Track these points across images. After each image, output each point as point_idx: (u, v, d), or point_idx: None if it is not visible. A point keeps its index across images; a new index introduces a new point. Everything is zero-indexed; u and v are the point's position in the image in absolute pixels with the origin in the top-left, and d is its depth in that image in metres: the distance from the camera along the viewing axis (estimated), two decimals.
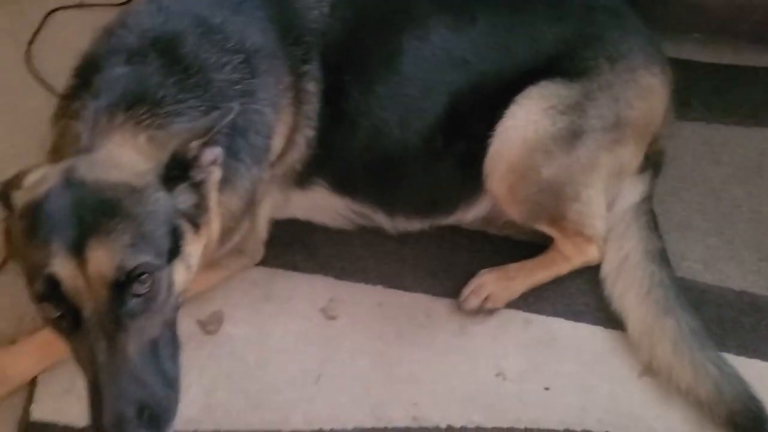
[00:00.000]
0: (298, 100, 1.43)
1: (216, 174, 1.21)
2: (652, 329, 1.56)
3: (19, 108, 1.93)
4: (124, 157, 1.13)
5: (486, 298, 1.63)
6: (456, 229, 1.76)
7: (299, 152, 1.49)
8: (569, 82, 1.48)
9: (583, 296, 1.69)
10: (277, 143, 1.44)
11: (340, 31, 1.45)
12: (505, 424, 1.51)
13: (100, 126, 1.20)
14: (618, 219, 1.66)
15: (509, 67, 1.50)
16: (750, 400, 1.45)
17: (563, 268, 1.67)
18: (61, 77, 1.46)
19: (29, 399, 1.48)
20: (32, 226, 1.06)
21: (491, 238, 1.76)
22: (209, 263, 1.37)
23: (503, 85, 1.49)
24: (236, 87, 1.32)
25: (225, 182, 1.29)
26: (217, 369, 1.55)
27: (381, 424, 1.50)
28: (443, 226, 1.74)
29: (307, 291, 1.67)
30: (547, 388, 1.56)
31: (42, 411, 1.47)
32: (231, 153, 1.30)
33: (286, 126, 1.44)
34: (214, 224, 1.26)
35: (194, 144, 1.14)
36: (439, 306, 1.67)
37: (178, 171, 1.14)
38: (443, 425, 1.50)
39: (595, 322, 1.65)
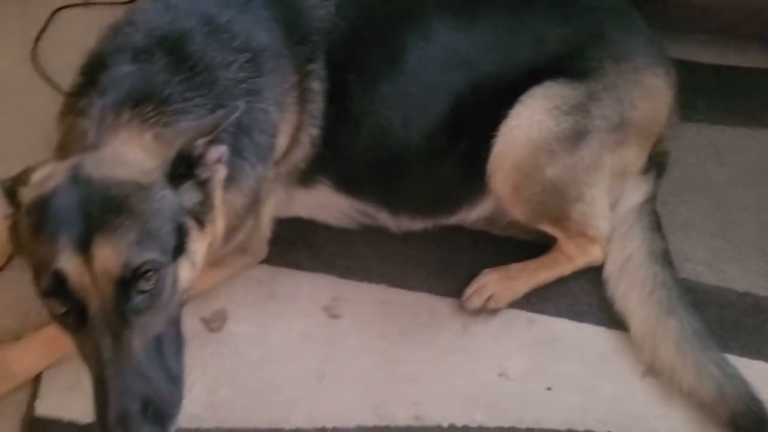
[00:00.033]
0: (303, 99, 1.44)
1: (221, 172, 1.22)
2: (654, 330, 1.56)
3: (25, 106, 1.94)
4: (131, 155, 1.14)
5: (489, 298, 1.63)
6: (459, 229, 1.76)
7: (304, 151, 1.50)
8: (573, 83, 1.48)
9: (586, 296, 1.69)
10: (282, 142, 1.44)
11: (345, 30, 1.46)
12: (507, 424, 1.51)
13: (106, 123, 1.20)
14: (621, 219, 1.66)
15: (513, 67, 1.50)
16: (752, 401, 1.45)
17: (566, 269, 1.68)
18: (67, 75, 1.47)
19: (34, 395, 1.49)
20: (39, 223, 1.07)
21: (494, 238, 1.77)
22: (213, 261, 1.37)
23: (507, 85, 1.49)
24: (242, 86, 1.32)
25: (230, 180, 1.29)
26: (221, 367, 1.56)
27: (383, 423, 1.50)
28: (446, 225, 1.74)
29: (310, 289, 1.67)
30: (549, 388, 1.56)
31: (46, 407, 1.48)
32: (236, 151, 1.31)
33: (290, 125, 1.44)
34: (218, 222, 1.27)
35: (200, 142, 1.15)
36: (442, 305, 1.67)
37: (183, 169, 1.15)
38: (445, 424, 1.51)
39: (598, 322, 1.65)
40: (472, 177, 1.56)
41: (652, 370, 1.56)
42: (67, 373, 1.51)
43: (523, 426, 1.51)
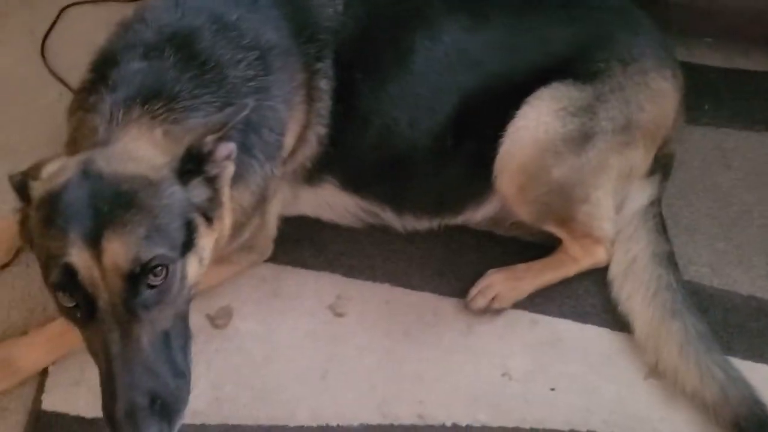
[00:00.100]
0: (310, 98, 1.44)
1: (230, 169, 1.22)
2: (658, 332, 1.56)
3: (33, 102, 1.95)
4: (141, 151, 1.15)
5: (493, 298, 1.64)
6: (464, 229, 1.77)
7: (310, 149, 1.50)
8: (581, 84, 1.48)
9: (590, 298, 1.69)
10: (289, 140, 1.45)
11: (353, 29, 1.46)
12: (510, 424, 1.51)
13: (116, 120, 1.21)
14: (626, 221, 1.66)
15: (521, 68, 1.50)
16: (755, 404, 1.46)
17: (571, 270, 1.68)
18: (75, 72, 1.48)
19: (40, 389, 1.50)
20: (50, 216, 1.07)
21: (499, 239, 1.77)
22: (219, 258, 1.38)
23: (514, 86, 1.50)
24: (251, 83, 1.33)
25: (237, 178, 1.30)
26: (225, 363, 1.56)
27: (387, 422, 1.51)
28: (451, 225, 1.74)
29: (315, 288, 1.68)
30: (552, 389, 1.56)
31: (52, 401, 1.49)
32: (244, 149, 1.32)
33: (298, 123, 1.45)
34: (226, 219, 1.27)
35: (209, 139, 1.15)
36: (446, 305, 1.67)
37: (193, 165, 1.16)
38: (449, 423, 1.51)
39: (602, 323, 1.65)
40: (478, 177, 1.57)
41: (655, 372, 1.56)
42: (73, 368, 1.52)
43: (526, 426, 1.51)
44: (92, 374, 1.49)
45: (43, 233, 1.08)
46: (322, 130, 1.48)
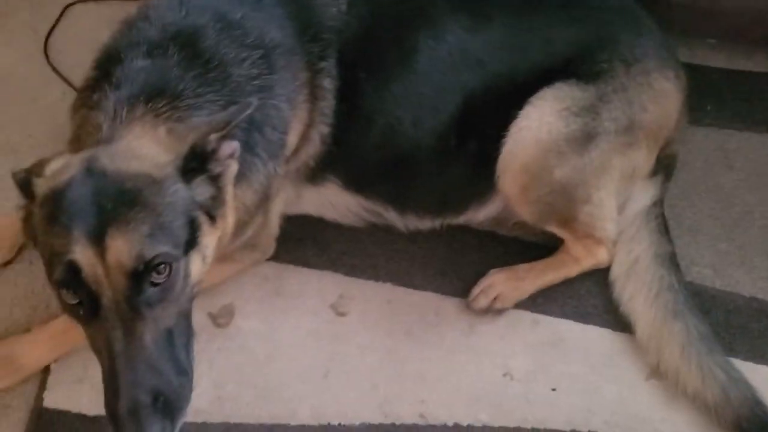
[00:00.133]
0: (314, 97, 1.44)
1: (233, 167, 1.22)
2: (660, 332, 1.56)
3: (36, 99, 1.95)
4: (144, 149, 1.15)
5: (495, 298, 1.64)
6: (466, 229, 1.77)
7: (313, 148, 1.50)
8: (584, 84, 1.48)
9: (591, 298, 1.69)
10: (293, 139, 1.45)
11: (357, 28, 1.46)
12: (511, 424, 1.52)
13: (120, 117, 1.21)
14: (629, 222, 1.66)
15: (524, 68, 1.50)
16: (757, 405, 1.45)
17: (573, 270, 1.68)
18: (78, 70, 1.48)
19: (42, 387, 1.50)
20: (53, 214, 1.07)
21: (501, 239, 1.77)
22: (221, 257, 1.38)
23: (517, 86, 1.50)
24: (254, 82, 1.33)
25: (241, 176, 1.30)
26: (227, 362, 1.56)
27: (388, 421, 1.51)
28: (454, 225, 1.74)
29: (317, 287, 1.68)
30: (554, 389, 1.57)
31: (54, 399, 1.49)
32: (247, 147, 1.32)
33: (301, 122, 1.45)
34: (229, 217, 1.27)
35: (213, 137, 1.15)
36: (448, 305, 1.67)
37: (196, 163, 1.16)
38: (450, 423, 1.51)
39: (604, 324, 1.65)
40: (481, 177, 1.57)
41: (657, 373, 1.56)
42: (76, 366, 1.52)
43: (528, 426, 1.52)
44: (95, 372, 1.49)
45: (47, 230, 1.08)
46: (325, 129, 1.48)
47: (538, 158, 1.48)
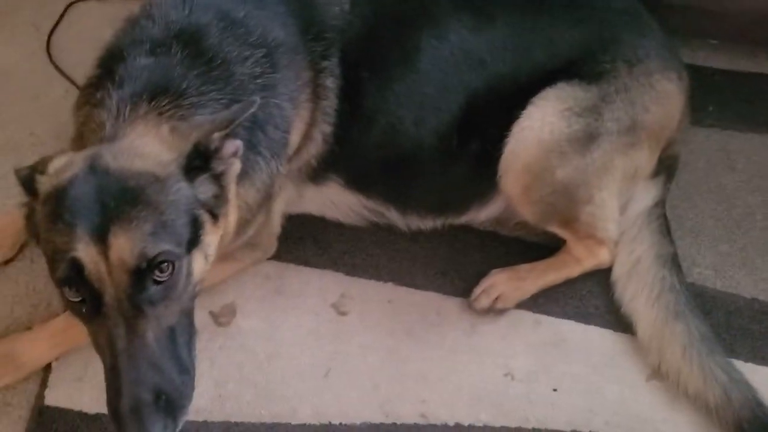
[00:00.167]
0: (316, 96, 1.45)
1: (236, 166, 1.22)
2: (661, 333, 1.56)
3: (38, 97, 1.95)
4: (148, 147, 1.15)
5: (497, 298, 1.64)
6: (468, 229, 1.77)
7: (316, 147, 1.50)
8: (586, 85, 1.48)
9: (593, 299, 1.69)
10: (295, 138, 1.45)
11: (360, 28, 1.46)
12: (512, 424, 1.52)
13: (123, 115, 1.21)
14: (630, 223, 1.66)
15: (526, 69, 1.50)
16: (758, 406, 1.46)
17: (574, 271, 1.68)
18: (81, 68, 1.48)
19: (43, 385, 1.50)
20: (57, 211, 1.07)
21: (503, 239, 1.77)
22: (223, 255, 1.38)
23: (520, 86, 1.50)
24: (257, 81, 1.33)
25: (243, 175, 1.30)
26: (228, 361, 1.56)
27: (389, 420, 1.51)
28: (455, 225, 1.74)
29: (318, 286, 1.68)
30: (555, 389, 1.57)
31: (55, 397, 1.49)
32: (250, 146, 1.32)
33: (304, 121, 1.45)
34: (231, 216, 1.28)
35: (216, 135, 1.15)
36: (450, 304, 1.67)
37: (199, 162, 1.16)
38: (451, 423, 1.51)
39: (605, 324, 1.66)
40: (483, 177, 1.57)
41: (658, 374, 1.57)
42: (77, 364, 1.52)
43: (529, 426, 1.52)
44: (95, 370, 1.49)
45: (50, 228, 1.08)
46: (327, 129, 1.48)
47: (541, 158, 1.48)
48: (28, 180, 1.14)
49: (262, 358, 1.57)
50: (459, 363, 1.59)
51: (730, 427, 1.47)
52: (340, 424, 1.50)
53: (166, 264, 1.08)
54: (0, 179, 1.75)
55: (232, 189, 1.24)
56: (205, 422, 1.48)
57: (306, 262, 1.71)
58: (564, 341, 1.63)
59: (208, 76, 1.28)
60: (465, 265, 1.72)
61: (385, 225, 1.71)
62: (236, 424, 1.49)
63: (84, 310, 1.09)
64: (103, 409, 1.09)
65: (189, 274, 1.14)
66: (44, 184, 1.12)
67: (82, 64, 1.44)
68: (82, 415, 1.47)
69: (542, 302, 1.68)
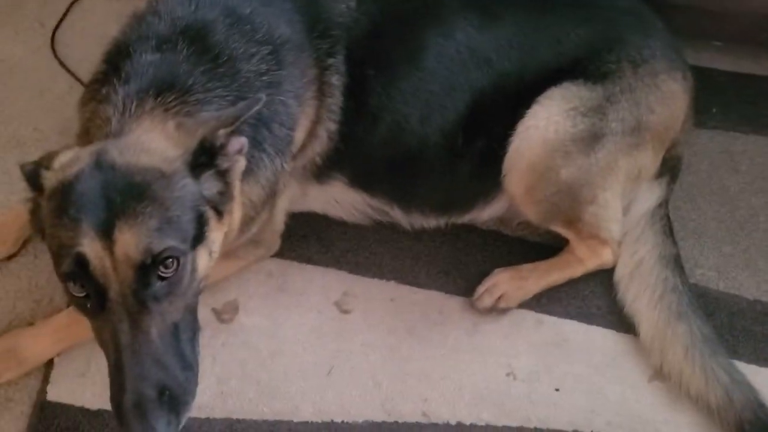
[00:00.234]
0: (321, 93, 1.44)
1: (241, 163, 1.22)
2: (664, 334, 1.56)
3: (43, 93, 1.95)
4: (154, 143, 1.15)
5: (499, 298, 1.64)
6: (471, 228, 1.77)
7: (321, 145, 1.50)
8: (591, 85, 1.49)
9: (595, 299, 1.69)
10: (300, 135, 1.45)
11: (366, 25, 1.46)
12: (514, 423, 1.52)
13: (129, 111, 1.21)
14: (633, 223, 1.67)
15: (532, 68, 1.50)
16: (760, 408, 1.46)
17: (577, 271, 1.68)
18: (86, 64, 1.48)
19: (45, 380, 1.50)
20: (62, 206, 1.07)
21: (506, 238, 1.77)
22: (226, 253, 1.38)
23: (525, 85, 1.50)
24: (263, 78, 1.33)
25: (248, 172, 1.30)
26: (231, 358, 1.56)
27: (391, 419, 1.51)
28: (458, 224, 1.75)
29: (321, 284, 1.68)
30: (557, 389, 1.57)
31: (57, 393, 1.49)
32: (255, 143, 1.32)
33: (309, 118, 1.45)
34: (236, 213, 1.27)
35: (222, 132, 1.15)
36: (452, 303, 1.67)
37: (205, 158, 1.16)
38: (453, 422, 1.52)
39: (607, 325, 1.66)
40: (487, 176, 1.57)
41: (660, 374, 1.57)
42: (79, 360, 1.52)
43: (530, 426, 1.52)
44: (98, 366, 1.50)
45: (55, 223, 1.08)
46: (332, 126, 1.48)
47: (545, 158, 1.48)
48: (33, 175, 1.14)
49: (265, 356, 1.57)
50: (461, 362, 1.59)
51: (731, 428, 1.47)
52: (342, 422, 1.50)
53: (171, 260, 1.08)
54: (3, 175, 1.76)
55: (236, 186, 1.24)
56: (207, 419, 1.48)
57: (309, 260, 1.71)
58: (566, 341, 1.63)
59: (214, 72, 1.28)
60: (468, 264, 1.72)
61: (388, 223, 1.71)
62: (238, 421, 1.49)
63: (88, 306, 1.09)
64: (106, 405, 1.09)
65: (193, 270, 1.14)
66: (50, 179, 1.12)
67: (87, 60, 1.44)
68: (84, 411, 1.47)
69: (545, 302, 1.68)
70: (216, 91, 1.27)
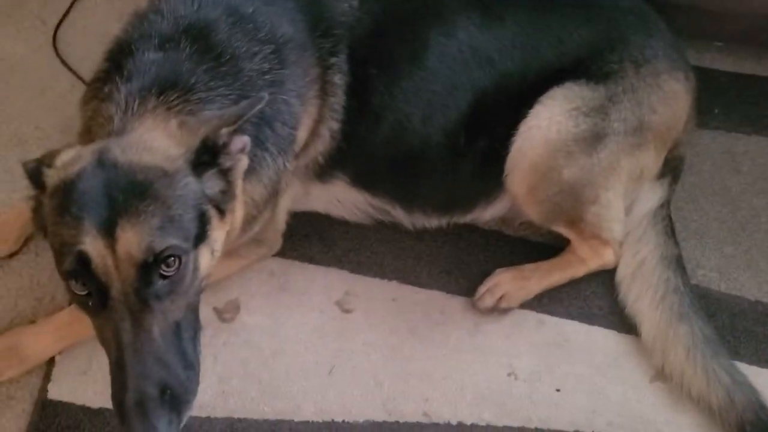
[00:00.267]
0: (324, 92, 1.44)
1: (243, 162, 1.22)
2: (665, 335, 1.56)
3: (44, 92, 1.95)
4: (156, 141, 1.14)
5: (501, 298, 1.64)
6: (472, 228, 1.77)
7: (323, 144, 1.50)
8: (594, 85, 1.48)
9: (597, 299, 1.69)
10: (302, 134, 1.45)
11: (368, 24, 1.46)
12: (515, 424, 1.52)
13: (132, 109, 1.21)
14: (635, 224, 1.66)
15: (534, 67, 1.50)
16: (761, 409, 1.46)
17: (579, 271, 1.68)
18: (87, 62, 1.48)
19: (47, 378, 1.50)
20: (64, 204, 1.07)
21: (507, 238, 1.77)
22: (228, 251, 1.38)
23: (528, 85, 1.50)
24: (266, 77, 1.32)
25: (250, 171, 1.29)
26: (232, 357, 1.56)
27: (392, 419, 1.51)
28: (460, 224, 1.74)
29: (322, 283, 1.68)
30: (558, 390, 1.57)
31: (59, 391, 1.49)
32: (257, 142, 1.32)
33: (311, 118, 1.45)
34: (238, 212, 1.27)
35: (224, 131, 1.15)
36: (454, 303, 1.67)
37: (207, 157, 1.16)
38: (454, 422, 1.52)
39: (609, 325, 1.66)
40: (489, 175, 1.57)
41: (661, 375, 1.57)
42: (80, 358, 1.52)
43: (531, 426, 1.52)
44: (99, 364, 1.50)
45: (57, 221, 1.08)
46: (335, 125, 1.48)
47: (547, 157, 1.48)
48: (35, 173, 1.14)
49: (266, 355, 1.57)
50: (462, 362, 1.59)
51: (733, 429, 1.47)
52: (343, 421, 1.50)
53: (173, 258, 1.08)
54: (5, 173, 1.76)
55: (239, 185, 1.24)
56: (208, 418, 1.48)
57: (311, 260, 1.71)
58: (567, 341, 1.63)
59: (217, 71, 1.28)
60: (469, 264, 1.72)
61: (390, 223, 1.71)
62: (239, 420, 1.49)
63: (90, 304, 1.09)
64: (107, 403, 1.09)
65: (195, 269, 1.14)
66: (52, 177, 1.12)
67: (89, 58, 1.44)
68: (86, 410, 1.47)
69: (546, 302, 1.68)
70: (218, 90, 1.26)
